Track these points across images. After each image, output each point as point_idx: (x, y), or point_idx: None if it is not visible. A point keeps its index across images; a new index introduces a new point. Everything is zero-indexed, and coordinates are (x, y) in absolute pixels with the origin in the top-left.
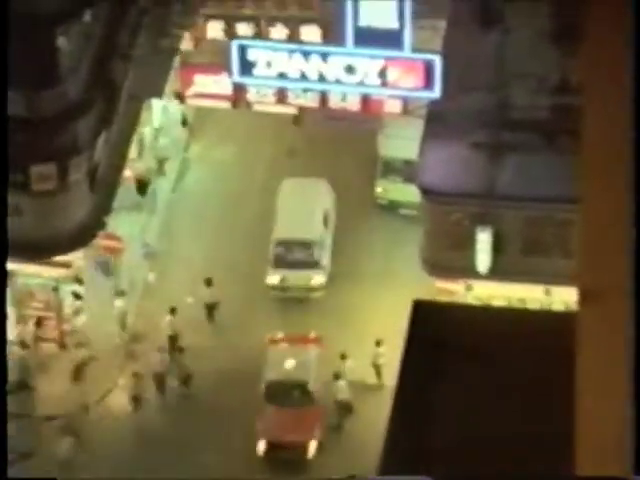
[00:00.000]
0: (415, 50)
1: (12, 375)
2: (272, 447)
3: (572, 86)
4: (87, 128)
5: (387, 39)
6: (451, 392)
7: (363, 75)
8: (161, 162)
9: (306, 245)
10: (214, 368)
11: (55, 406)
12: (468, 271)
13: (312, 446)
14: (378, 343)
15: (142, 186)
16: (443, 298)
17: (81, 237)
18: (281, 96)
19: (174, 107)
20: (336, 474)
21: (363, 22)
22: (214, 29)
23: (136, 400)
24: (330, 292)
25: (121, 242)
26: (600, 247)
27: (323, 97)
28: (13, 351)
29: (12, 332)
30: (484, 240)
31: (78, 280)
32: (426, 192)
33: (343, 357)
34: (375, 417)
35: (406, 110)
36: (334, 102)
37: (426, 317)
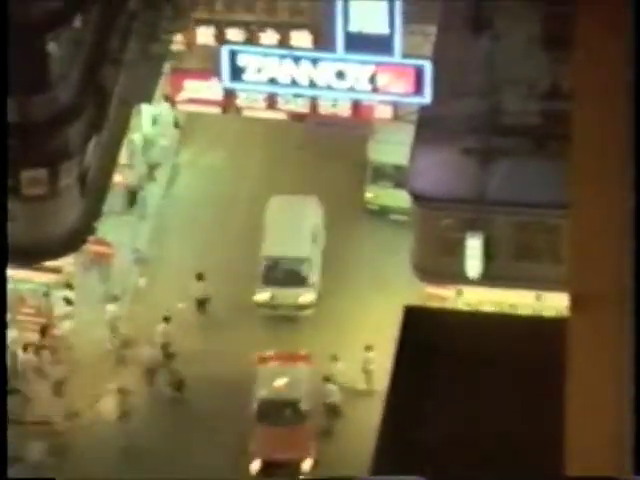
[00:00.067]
0: (405, 56)
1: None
2: (266, 466)
3: (562, 92)
4: (78, 133)
5: (377, 45)
6: (442, 396)
7: (354, 81)
8: (151, 168)
9: (295, 262)
10: (206, 373)
11: (46, 411)
12: (459, 276)
13: (307, 464)
14: (368, 348)
15: (131, 196)
16: (434, 303)
17: (71, 242)
18: (271, 102)
19: (165, 111)
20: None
21: (353, 28)
22: (204, 34)
23: (123, 415)
24: (321, 297)
25: (111, 247)
26: (591, 253)
27: (313, 103)
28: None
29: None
30: (474, 245)
31: (68, 285)
32: (417, 197)
33: (334, 359)
34: (366, 422)
35: (397, 115)
36: (324, 108)
37: (417, 322)
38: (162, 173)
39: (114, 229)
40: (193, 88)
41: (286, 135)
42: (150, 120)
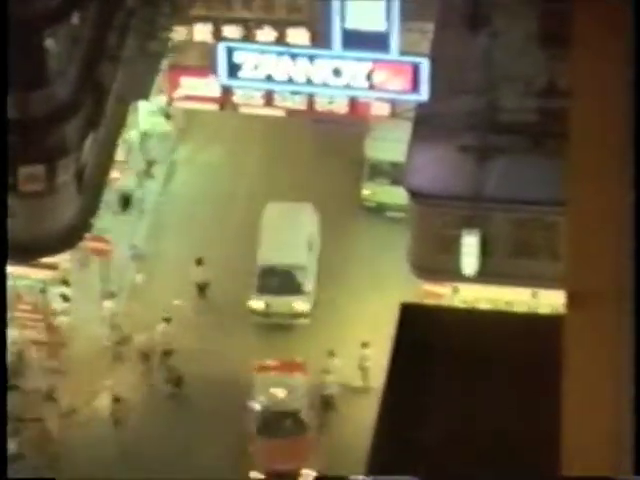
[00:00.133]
0: (403, 53)
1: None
2: (267, 478)
3: (560, 89)
4: (75, 130)
5: (375, 42)
6: (438, 393)
7: (350, 78)
8: (149, 165)
9: (290, 271)
10: (203, 371)
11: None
12: (455, 274)
13: (309, 476)
14: (365, 345)
15: (125, 201)
16: (430, 301)
17: (68, 239)
18: (268, 99)
19: (159, 106)
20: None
21: (351, 25)
22: (202, 31)
23: (117, 422)
24: (317, 294)
25: (109, 244)
26: (588, 250)
27: (310, 100)
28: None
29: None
30: (471, 243)
31: (65, 282)
32: (414, 194)
33: (331, 354)
34: (361, 419)
35: (394, 113)
36: (321, 105)
37: (413, 320)
38: (159, 170)
39: (111, 225)
40: (190, 85)
41: (283, 132)
42: (147, 117)
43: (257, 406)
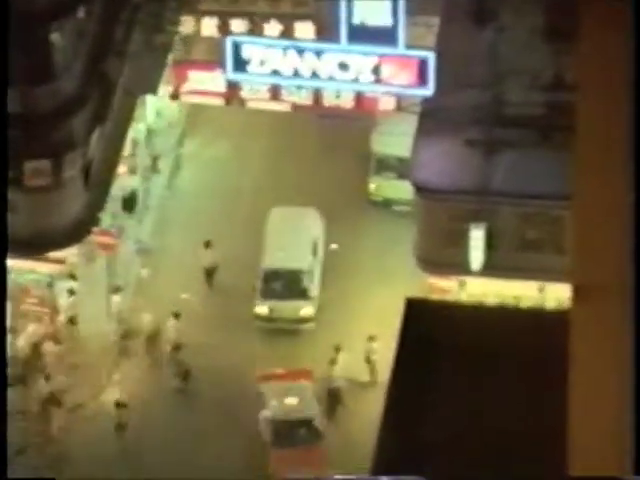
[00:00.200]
0: (409, 47)
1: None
2: None
3: (566, 83)
4: (81, 124)
5: (381, 36)
6: (444, 389)
7: (357, 72)
8: (155, 159)
9: (295, 275)
10: (210, 365)
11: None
12: (462, 268)
13: None
14: (371, 339)
15: (129, 202)
16: (436, 295)
17: (75, 233)
18: (275, 93)
19: (168, 102)
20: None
21: (357, 19)
22: (208, 26)
23: (120, 427)
24: (322, 290)
25: (115, 238)
26: (594, 244)
27: (317, 94)
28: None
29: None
30: (478, 237)
31: (72, 276)
32: (420, 189)
33: (337, 349)
34: (368, 413)
35: (400, 107)
36: (328, 99)
37: (419, 315)
38: (165, 164)
39: (118, 220)
40: (197, 79)
41: (289, 127)
42: (154, 111)
43: (270, 415)
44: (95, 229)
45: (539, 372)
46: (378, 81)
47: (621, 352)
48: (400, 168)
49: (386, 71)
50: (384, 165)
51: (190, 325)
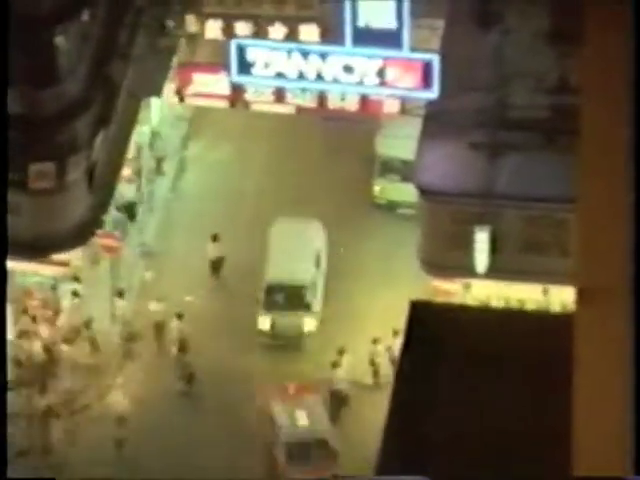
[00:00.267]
0: (413, 50)
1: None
2: None
3: (570, 86)
4: (86, 127)
5: (385, 39)
6: (448, 392)
7: (361, 75)
8: (159, 161)
9: (297, 289)
10: (215, 367)
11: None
12: (466, 270)
13: None
14: (375, 341)
15: (130, 210)
16: (441, 298)
17: (79, 236)
18: (279, 96)
19: (173, 106)
20: None
21: (362, 22)
22: (213, 28)
23: (119, 444)
24: (327, 291)
25: (119, 241)
26: (598, 246)
27: (321, 97)
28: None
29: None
30: (482, 240)
31: (76, 279)
32: (424, 192)
33: (341, 352)
34: (372, 415)
35: (404, 110)
36: (332, 102)
37: (423, 317)
38: (170, 167)
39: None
40: (201, 82)
41: (294, 130)
42: (158, 114)
43: (283, 435)
44: (99, 231)
45: (543, 374)
46: (383, 84)
47: (625, 354)
48: (404, 171)
49: (391, 74)
50: (388, 168)
51: (194, 327)
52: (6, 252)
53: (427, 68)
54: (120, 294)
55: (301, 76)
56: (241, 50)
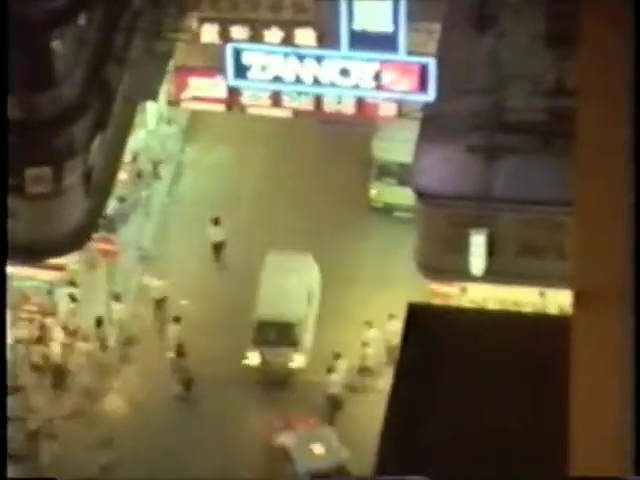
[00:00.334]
0: (410, 53)
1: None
2: None
3: (567, 88)
4: (82, 131)
5: (382, 42)
6: (446, 394)
7: (358, 78)
8: (156, 165)
9: (288, 325)
10: (215, 371)
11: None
12: (463, 274)
13: None
14: (365, 345)
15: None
16: (438, 301)
17: (76, 240)
18: (276, 99)
19: (168, 109)
20: None
21: (358, 25)
22: (209, 32)
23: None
24: (323, 297)
25: (116, 245)
26: (595, 250)
27: (318, 100)
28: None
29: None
30: (479, 243)
31: (72, 283)
32: (421, 195)
33: (337, 356)
34: (369, 418)
35: (401, 113)
36: (329, 105)
37: (421, 320)
38: (166, 171)
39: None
40: (197, 86)
41: (290, 133)
42: (155, 118)
43: (302, 467)
44: (95, 236)
45: (541, 376)
46: (379, 87)
47: (622, 357)
48: (401, 174)
49: (387, 77)
50: (385, 171)
51: (189, 332)
52: (6, 256)
53: (424, 71)
54: (117, 298)
55: (297, 80)
56: (237, 54)
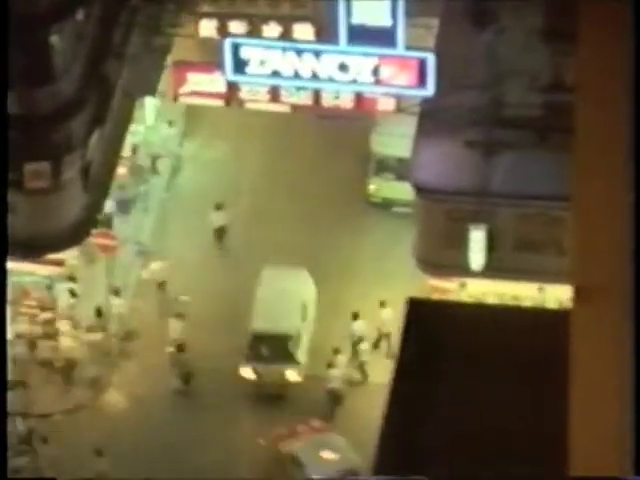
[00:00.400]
0: (408, 48)
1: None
2: None
3: (565, 84)
4: (81, 126)
5: (380, 37)
6: (446, 390)
7: (356, 73)
8: (154, 160)
9: (282, 340)
10: (214, 366)
11: (50, 404)
12: (462, 269)
13: None
14: (360, 340)
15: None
16: (437, 296)
17: (75, 235)
18: (274, 94)
19: (167, 104)
20: None
21: (356, 20)
22: (207, 27)
23: None
24: (322, 293)
25: (115, 240)
26: (593, 245)
27: (316, 95)
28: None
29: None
30: (478, 238)
31: (72, 278)
32: (419, 190)
33: (336, 351)
34: (368, 414)
35: (399, 108)
36: (327, 100)
37: (420, 315)
38: (165, 166)
39: (117, 221)
40: (196, 81)
41: (289, 128)
42: (153, 113)
43: (314, 474)
44: (94, 231)
45: (540, 372)
46: (377, 82)
47: (622, 353)
48: (400, 169)
49: (385, 72)
50: (384, 166)
51: (188, 326)
52: (6, 252)
53: (422, 66)
54: (116, 293)
55: (296, 74)
56: (235, 49)
